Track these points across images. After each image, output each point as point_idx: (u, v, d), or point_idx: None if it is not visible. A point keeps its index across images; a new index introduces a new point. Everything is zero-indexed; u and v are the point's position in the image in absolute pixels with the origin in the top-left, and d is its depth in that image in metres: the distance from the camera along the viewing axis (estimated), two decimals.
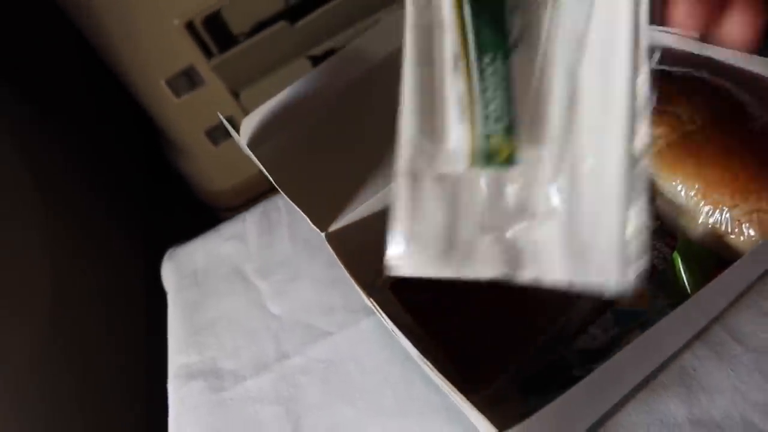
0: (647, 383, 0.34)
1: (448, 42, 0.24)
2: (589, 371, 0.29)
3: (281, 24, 0.76)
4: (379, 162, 0.44)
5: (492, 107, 0.23)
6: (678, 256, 0.36)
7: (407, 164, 0.24)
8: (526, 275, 0.25)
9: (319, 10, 0.76)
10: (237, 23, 0.79)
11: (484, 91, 0.23)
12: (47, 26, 0.91)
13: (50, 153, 0.81)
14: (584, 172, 0.24)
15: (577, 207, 0.24)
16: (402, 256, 0.25)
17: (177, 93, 0.80)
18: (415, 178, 0.25)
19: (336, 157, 0.45)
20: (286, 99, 0.50)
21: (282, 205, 0.56)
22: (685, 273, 0.36)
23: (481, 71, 0.23)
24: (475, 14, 0.23)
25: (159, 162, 0.94)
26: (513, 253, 0.25)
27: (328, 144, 0.47)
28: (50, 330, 0.62)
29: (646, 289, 0.36)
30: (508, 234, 0.25)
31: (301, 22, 0.77)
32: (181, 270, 0.55)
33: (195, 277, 0.54)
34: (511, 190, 0.25)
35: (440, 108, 0.24)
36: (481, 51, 0.23)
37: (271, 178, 0.42)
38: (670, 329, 0.30)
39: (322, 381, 0.42)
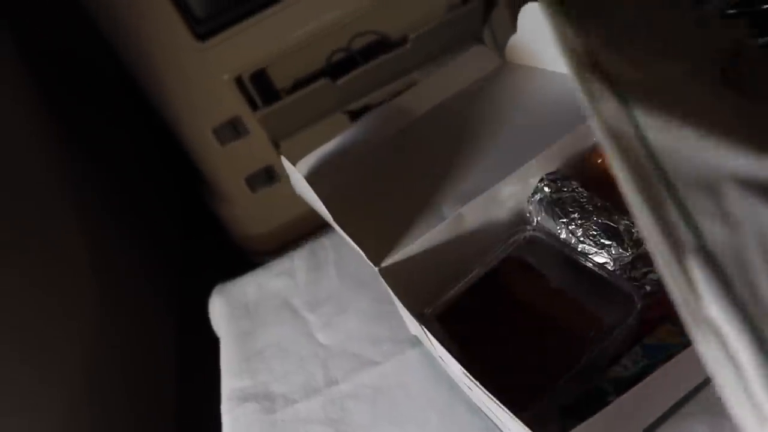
0: (677, 411, 0.37)
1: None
2: None
3: (324, 81, 0.81)
4: (424, 205, 0.48)
5: None
6: None
7: None
8: None
9: (360, 69, 0.82)
10: (281, 79, 0.85)
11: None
12: (105, 80, 0.97)
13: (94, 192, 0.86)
14: None
15: None
16: None
17: (222, 141, 0.85)
18: None
19: (385, 198, 0.50)
20: (338, 145, 0.55)
21: (329, 245, 0.60)
22: None
23: None
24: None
25: (196, 211, 0.98)
26: None
27: (378, 187, 0.51)
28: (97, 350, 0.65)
29: (674, 327, 0.40)
30: None
31: (342, 80, 0.82)
32: (232, 302, 0.59)
33: (246, 308, 0.57)
34: None
35: None
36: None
37: (329, 215, 0.46)
38: (690, 358, 0.34)
39: (371, 405, 0.46)
